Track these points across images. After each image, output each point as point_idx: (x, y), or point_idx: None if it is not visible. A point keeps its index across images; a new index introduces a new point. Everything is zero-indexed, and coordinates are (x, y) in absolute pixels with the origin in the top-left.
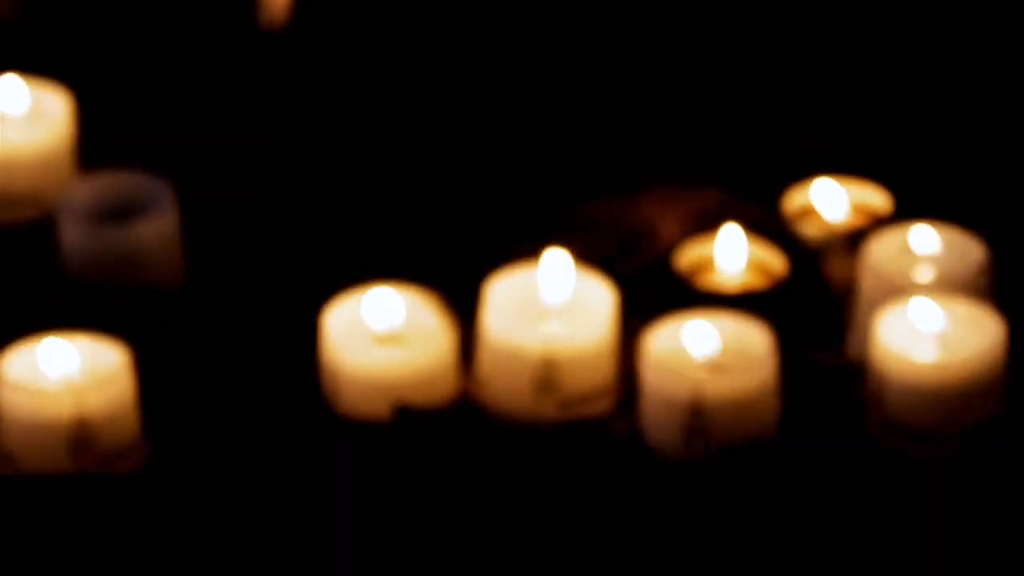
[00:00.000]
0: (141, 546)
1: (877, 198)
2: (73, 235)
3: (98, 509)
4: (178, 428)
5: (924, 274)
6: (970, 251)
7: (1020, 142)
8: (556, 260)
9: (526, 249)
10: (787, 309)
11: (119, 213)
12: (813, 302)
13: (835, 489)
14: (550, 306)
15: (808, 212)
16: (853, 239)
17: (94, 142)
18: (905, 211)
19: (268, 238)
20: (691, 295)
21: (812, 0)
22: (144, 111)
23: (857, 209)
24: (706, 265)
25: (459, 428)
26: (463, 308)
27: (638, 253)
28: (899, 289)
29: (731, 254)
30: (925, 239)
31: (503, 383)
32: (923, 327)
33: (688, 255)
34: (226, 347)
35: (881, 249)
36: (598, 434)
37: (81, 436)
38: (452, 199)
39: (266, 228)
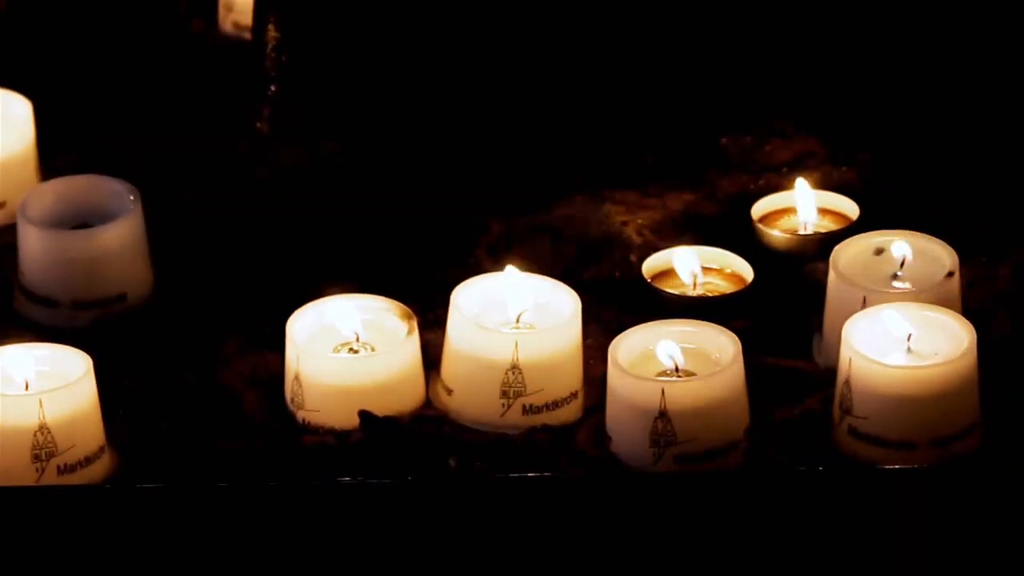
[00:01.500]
0: (107, 559)
1: (847, 204)
2: (34, 241)
3: (63, 520)
4: (143, 435)
5: (894, 280)
6: (940, 257)
7: (989, 148)
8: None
9: (494, 255)
10: (755, 315)
11: (82, 218)
12: (782, 308)
13: (803, 498)
14: (516, 313)
15: (778, 217)
16: (823, 245)
17: (56, 147)
18: (875, 218)
19: (234, 243)
20: (658, 301)
21: (784, 11)
22: (106, 115)
23: (827, 215)
24: (674, 271)
25: (425, 435)
26: (429, 315)
27: (605, 259)
28: (869, 295)
29: (689, 266)
30: (895, 246)
31: (469, 390)
32: (893, 334)
33: (655, 261)
34: (191, 353)
35: (851, 255)
36: (564, 441)
37: (44, 443)
38: (419, 205)
39: (233, 233)
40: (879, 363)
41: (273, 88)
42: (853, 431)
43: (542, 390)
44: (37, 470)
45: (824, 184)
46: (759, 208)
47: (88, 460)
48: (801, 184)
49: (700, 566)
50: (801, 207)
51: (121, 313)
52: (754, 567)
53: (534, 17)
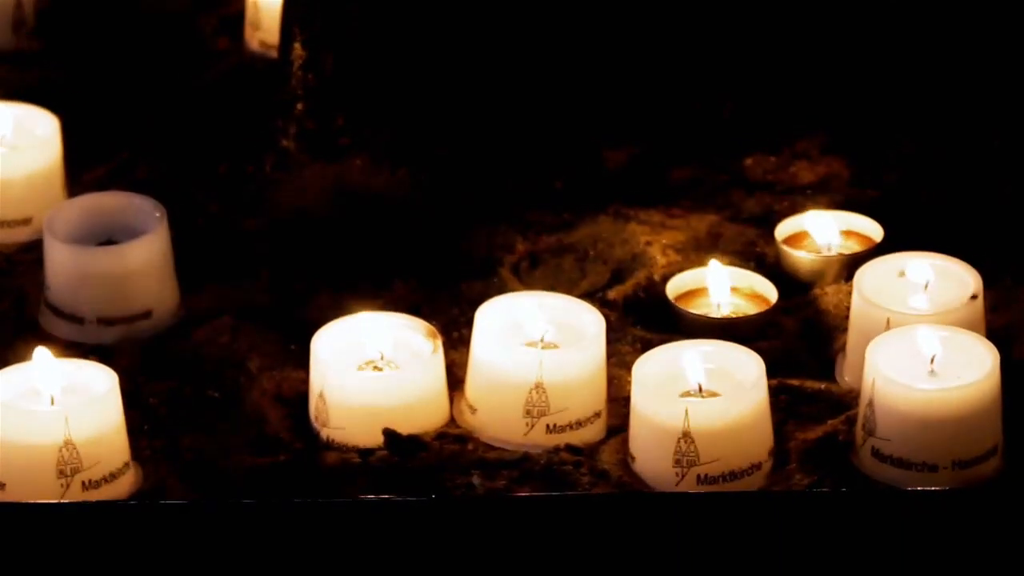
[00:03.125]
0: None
1: (871, 226)
2: (60, 257)
3: (87, 537)
4: (168, 452)
5: (917, 302)
6: (964, 279)
7: (1014, 170)
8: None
9: (519, 274)
10: (779, 335)
11: (108, 234)
12: (805, 329)
13: (826, 519)
14: (540, 332)
15: (801, 239)
16: (846, 266)
17: (82, 163)
18: (899, 239)
19: (259, 260)
20: (682, 321)
21: (809, 33)
22: (132, 132)
23: (851, 236)
24: (698, 291)
25: (448, 453)
26: (454, 333)
27: (629, 278)
28: (892, 317)
29: (720, 285)
30: (918, 267)
31: (493, 409)
32: (916, 355)
33: (680, 281)
34: (216, 370)
35: (874, 277)
36: (588, 460)
37: (69, 459)
38: (443, 224)
39: (258, 250)
40: (903, 385)
41: (299, 106)
42: (876, 453)
43: (566, 409)
44: (62, 486)
45: (848, 205)
46: (783, 229)
47: (113, 476)
48: (814, 213)
49: None
50: (819, 235)
51: (147, 329)
52: None
53: (560, 38)
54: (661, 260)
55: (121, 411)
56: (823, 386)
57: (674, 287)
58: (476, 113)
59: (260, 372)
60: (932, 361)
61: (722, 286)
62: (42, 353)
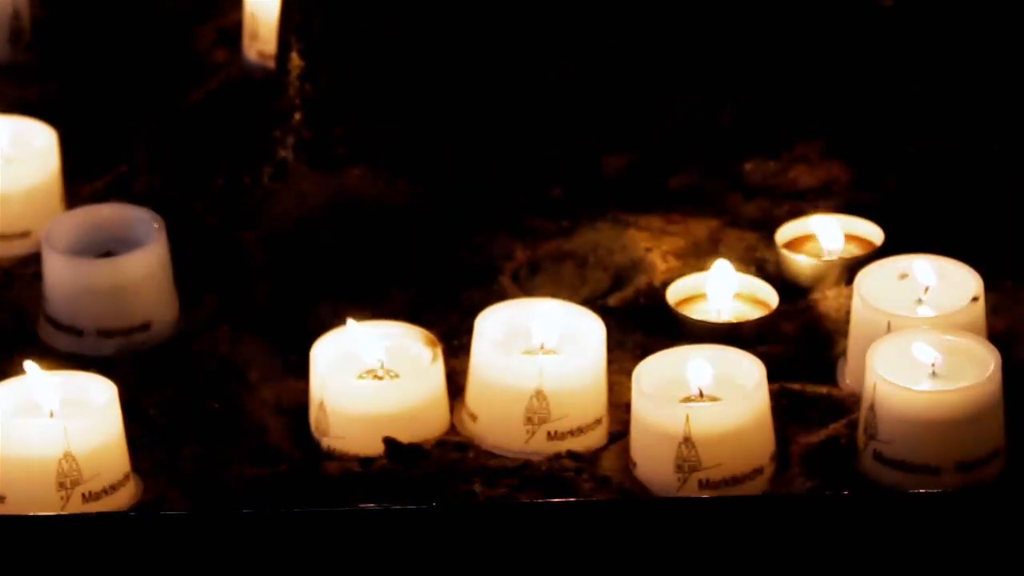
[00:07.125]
0: None
1: (871, 229)
2: (59, 269)
3: (88, 549)
4: (168, 463)
5: (918, 305)
6: (964, 282)
7: (1015, 172)
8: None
9: (519, 281)
10: (780, 340)
11: (106, 246)
12: (806, 333)
13: (828, 523)
14: (540, 339)
15: (802, 243)
16: (846, 270)
17: (80, 176)
18: (899, 242)
19: (258, 270)
20: (683, 326)
21: (808, 36)
22: (131, 144)
23: (851, 240)
24: (698, 296)
25: (449, 461)
26: (454, 341)
27: (630, 284)
28: (893, 320)
29: (721, 289)
30: (919, 270)
31: (494, 416)
32: (917, 358)
33: (680, 287)
34: (215, 381)
35: (874, 280)
36: (589, 466)
37: (69, 471)
38: (443, 231)
39: (256, 261)
40: (904, 388)
41: (297, 116)
42: (878, 456)
43: (566, 416)
44: (62, 498)
45: (848, 209)
46: (783, 234)
47: (113, 488)
48: (820, 217)
49: None
50: (820, 239)
51: (146, 341)
52: None
53: (558, 45)
54: (661, 266)
55: (121, 423)
56: (824, 390)
57: (674, 292)
58: (474, 121)
59: (260, 382)
60: (933, 364)
61: (724, 290)
62: (32, 367)
